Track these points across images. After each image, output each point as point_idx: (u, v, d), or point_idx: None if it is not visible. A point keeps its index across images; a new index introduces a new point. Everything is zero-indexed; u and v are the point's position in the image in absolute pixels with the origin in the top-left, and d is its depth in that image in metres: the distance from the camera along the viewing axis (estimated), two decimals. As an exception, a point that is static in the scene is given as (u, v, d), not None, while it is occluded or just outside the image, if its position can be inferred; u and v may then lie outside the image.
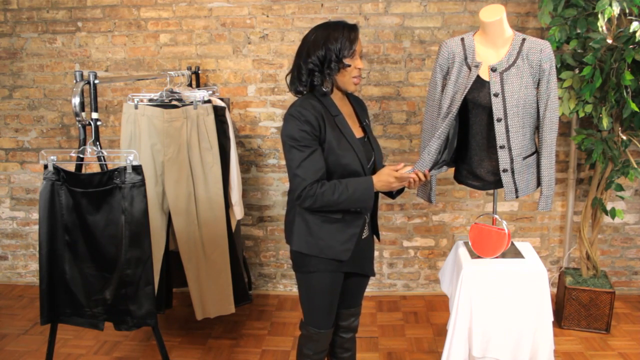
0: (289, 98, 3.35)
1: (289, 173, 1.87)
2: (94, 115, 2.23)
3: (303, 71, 1.89)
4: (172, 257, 2.93)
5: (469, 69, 2.15)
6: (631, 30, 2.46)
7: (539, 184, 2.26)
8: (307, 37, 1.91)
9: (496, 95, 2.09)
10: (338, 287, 2.03)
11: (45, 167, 2.24)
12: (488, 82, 2.11)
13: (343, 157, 1.86)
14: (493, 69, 2.10)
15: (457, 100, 2.12)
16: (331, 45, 1.84)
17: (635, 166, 2.81)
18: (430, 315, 3.26)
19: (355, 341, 2.28)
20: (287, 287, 3.60)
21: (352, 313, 2.20)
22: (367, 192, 1.86)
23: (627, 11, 2.63)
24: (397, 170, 1.86)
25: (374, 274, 2.18)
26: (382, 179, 1.87)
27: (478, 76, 2.13)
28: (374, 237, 2.15)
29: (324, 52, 1.85)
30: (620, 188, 2.90)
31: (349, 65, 1.88)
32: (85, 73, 2.30)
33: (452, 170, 2.44)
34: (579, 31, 2.74)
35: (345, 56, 1.86)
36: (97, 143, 2.24)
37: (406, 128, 3.35)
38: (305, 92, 1.92)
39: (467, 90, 2.11)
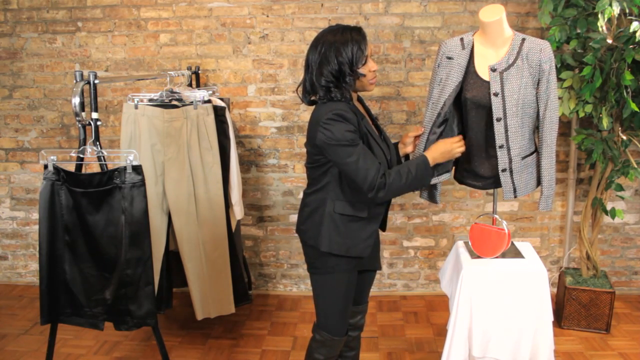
0: (289, 98, 3.35)
1: (349, 171, 1.82)
2: (94, 115, 2.23)
3: (317, 87, 1.85)
4: (172, 257, 2.93)
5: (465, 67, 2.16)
6: (631, 30, 2.46)
7: (538, 183, 2.26)
8: (315, 49, 1.84)
9: (496, 94, 2.09)
10: (353, 288, 2.05)
11: (45, 167, 2.24)
12: (488, 82, 2.11)
13: (376, 156, 1.87)
14: (493, 69, 2.10)
15: (450, 87, 2.14)
16: (342, 58, 1.80)
17: (635, 166, 2.81)
18: (430, 315, 3.26)
19: (360, 340, 2.29)
20: (287, 287, 3.60)
21: (360, 310, 2.23)
22: (427, 170, 1.95)
23: (627, 11, 2.63)
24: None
25: (380, 268, 2.21)
26: (440, 149, 1.99)
27: (478, 76, 2.13)
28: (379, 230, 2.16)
29: (337, 67, 1.80)
30: (620, 188, 2.90)
31: (364, 75, 1.86)
32: (85, 73, 2.30)
33: (452, 170, 2.44)
34: (579, 31, 2.74)
35: (359, 66, 1.83)
36: (97, 143, 2.24)
37: (406, 128, 3.35)
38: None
39: (459, 82, 2.12)
